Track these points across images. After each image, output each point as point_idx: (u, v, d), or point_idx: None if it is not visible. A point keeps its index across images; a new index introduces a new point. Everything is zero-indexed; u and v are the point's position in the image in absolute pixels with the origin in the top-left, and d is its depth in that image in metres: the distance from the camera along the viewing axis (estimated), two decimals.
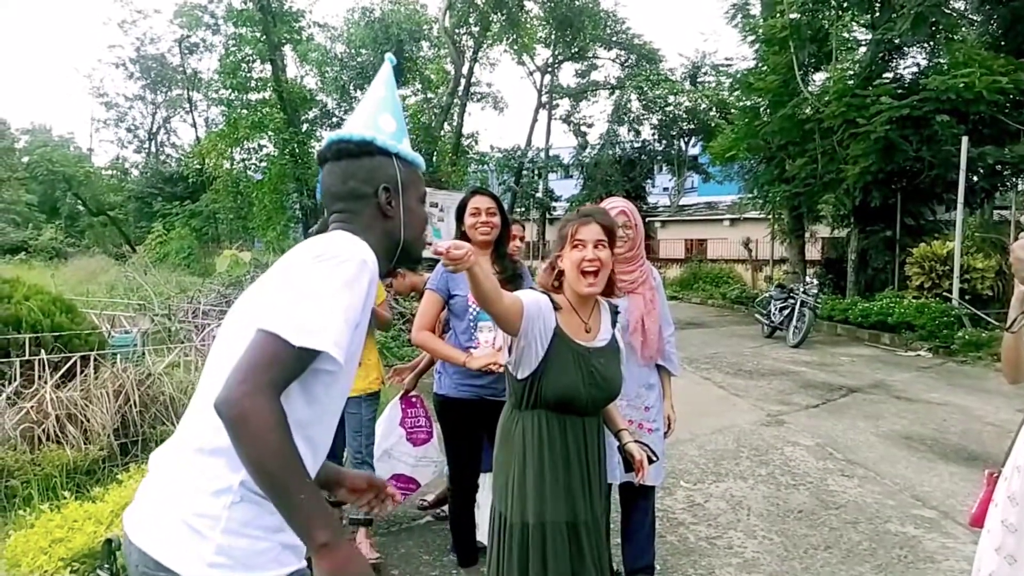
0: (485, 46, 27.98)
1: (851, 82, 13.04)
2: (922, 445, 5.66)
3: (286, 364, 1.11)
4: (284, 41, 23.14)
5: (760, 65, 16.02)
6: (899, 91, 12.27)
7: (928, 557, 3.66)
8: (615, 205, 3.00)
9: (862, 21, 14.75)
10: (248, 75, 23.05)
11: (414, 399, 3.92)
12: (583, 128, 32.39)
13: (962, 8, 14.30)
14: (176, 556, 1.13)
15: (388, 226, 1.40)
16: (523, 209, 30.92)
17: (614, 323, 2.33)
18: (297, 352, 1.11)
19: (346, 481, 1.55)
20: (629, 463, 2.29)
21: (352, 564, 1.09)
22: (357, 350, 1.29)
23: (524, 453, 2.19)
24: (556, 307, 2.18)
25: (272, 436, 1.05)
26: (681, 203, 30.86)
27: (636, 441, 2.34)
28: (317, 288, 1.17)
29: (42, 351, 4.62)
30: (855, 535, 3.92)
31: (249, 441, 1.05)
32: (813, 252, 18.56)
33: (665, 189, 33.25)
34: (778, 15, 13.99)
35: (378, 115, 1.43)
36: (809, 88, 14.08)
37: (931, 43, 13.92)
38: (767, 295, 12.75)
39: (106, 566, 2.39)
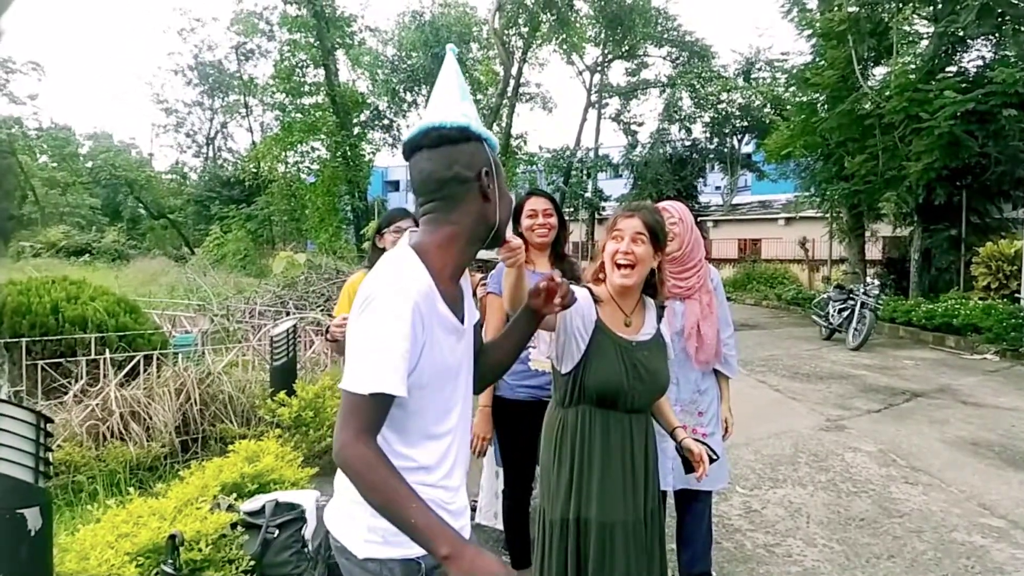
0: (534, 46, 28.01)
1: (913, 76, 12.65)
2: (990, 452, 5.44)
3: (365, 412, 1.26)
4: (337, 46, 23.55)
5: (817, 60, 15.66)
6: (963, 85, 11.88)
7: (997, 568, 3.52)
8: (666, 204, 2.96)
9: (924, 14, 14.27)
10: (302, 80, 23.53)
11: None
12: (633, 127, 32.11)
13: None
14: (343, 532, 1.41)
15: (486, 209, 1.45)
16: (572, 209, 30.81)
17: (659, 319, 2.28)
18: (367, 399, 1.25)
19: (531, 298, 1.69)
20: (688, 464, 2.23)
21: (479, 565, 1.19)
22: (447, 355, 1.40)
23: (562, 450, 2.17)
24: (597, 300, 2.16)
25: (371, 477, 1.23)
26: (734, 202, 30.30)
27: (695, 439, 2.28)
28: (365, 338, 1.29)
29: (107, 350, 4.77)
30: (920, 544, 3.79)
31: (356, 482, 1.25)
32: (873, 251, 18.04)
33: (717, 188, 32.70)
34: (836, 8, 13.65)
35: (459, 103, 1.46)
36: (869, 83, 13.70)
37: (997, 35, 13.38)
38: (825, 296, 12.44)
39: (170, 561, 2.45)
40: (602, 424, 2.14)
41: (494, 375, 1.72)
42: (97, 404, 4.31)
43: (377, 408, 1.27)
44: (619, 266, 2.14)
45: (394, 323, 1.27)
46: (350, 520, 1.40)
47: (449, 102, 1.46)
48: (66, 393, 4.52)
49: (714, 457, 2.31)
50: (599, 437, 2.13)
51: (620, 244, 2.14)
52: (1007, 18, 12.61)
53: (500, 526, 3.58)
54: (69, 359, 4.75)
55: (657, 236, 2.17)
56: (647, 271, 2.17)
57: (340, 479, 1.44)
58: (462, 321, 1.47)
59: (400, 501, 1.21)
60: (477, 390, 1.61)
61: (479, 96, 26.52)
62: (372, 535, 1.36)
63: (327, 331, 3.13)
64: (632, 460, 2.16)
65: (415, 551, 1.33)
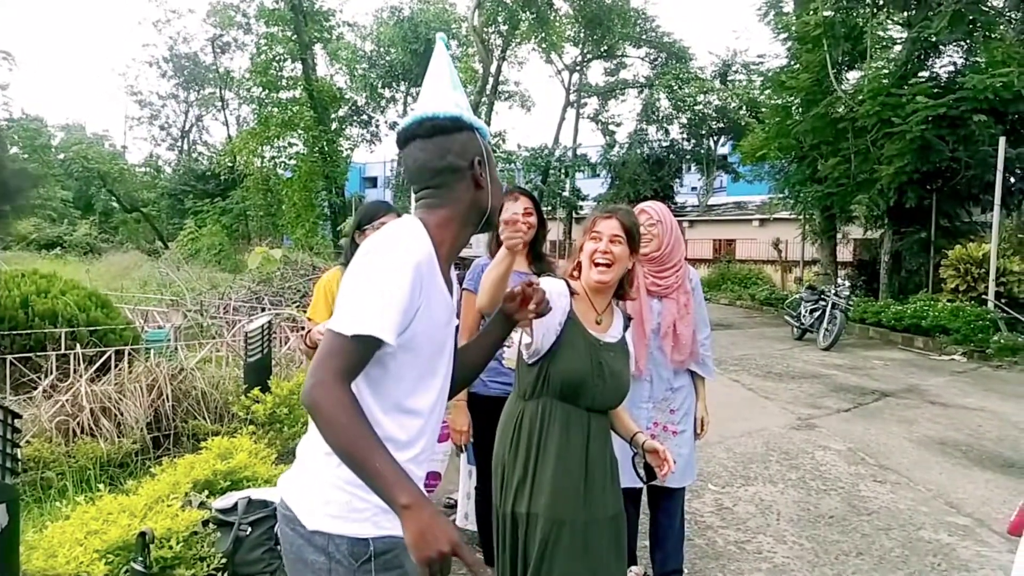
0: (513, 44, 28.04)
1: (886, 81, 12.81)
2: (956, 451, 5.55)
3: (346, 354, 1.24)
4: (315, 40, 23.34)
5: (792, 63, 15.80)
6: (935, 90, 12.04)
7: (963, 565, 3.59)
8: (646, 205, 3.00)
9: (897, 19, 14.47)
10: (279, 74, 23.28)
11: None
12: (611, 127, 32.24)
13: (1000, 5, 13.97)
14: (296, 501, 1.38)
15: (479, 196, 1.49)
16: (550, 208, 30.86)
17: (626, 328, 2.32)
18: (352, 341, 1.24)
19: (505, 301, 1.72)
20: (651, 472, 2.19)
21: (436, 524, 1.14)
22: (437, 328, 1.40)
23: (519, 442, 2.17)
24: (572, 292, 2.21)
25: (341, 418, 1.19)
26: (710, 203, 30.55)
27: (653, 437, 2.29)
28: (362, 281, 1.29)
29: (78, 345, 4.70)
30: (887, 542, 3.85)
31: (323, 424, 1.21)
32: (845, 253, 18.28)
33: (693, 188, 32.94)
34: (811, 12, 13.77)
35: (451, 92, 1.50)
36: (843, 87, 13.85)
37: (968, 41, 13.62)
38: (797, 296, 12.60)
39: (140, 559, 2.42)
40: (562, 419, 2.14)
41: (466, 379, 1.72)
42: (67, 399, 4.25)
43: (360, 352, 1.25)
44: (597, 264, 2.19)
45: (395, 274, 1.28)
46: (306, 490, 1.37)
47: (441, 92, 1.50)
48: (35, 388, 4.45)
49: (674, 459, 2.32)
50: (557, 431, 2.14)
51: (599, 244, 2.20)
52: (978, 24, 12.86)
53: (472, 527, 3.59)
54: (39, 354, 4.67)
55: (633, 237, 2.23)
56: (623, 270, 2.23)
57: (303, 446, 1.43)
58: (451, 295, 1.49)
59: (367, 445, 1.18)
60: (451, 393, 1.59)
61: None
62: (327, 507, 1.33)
63: (307, 334, 3.09)
64: (587, 460, 2.14)
65: (367, 531, 1.31)
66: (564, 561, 2.07)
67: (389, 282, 1.27)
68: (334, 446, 1.20)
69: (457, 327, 1.63)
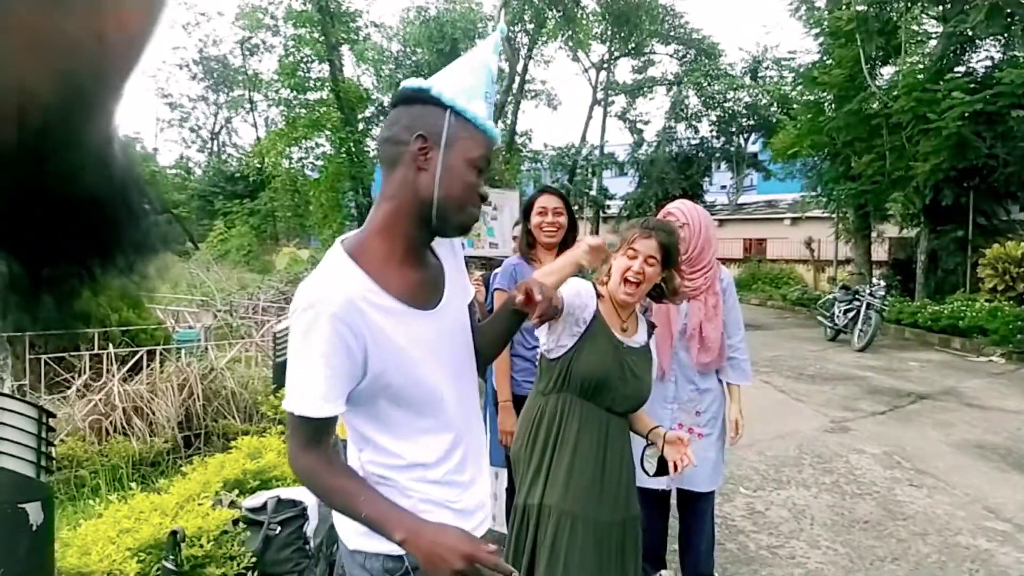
0: (540, 43, 27.94)
1: (921, 76, 12.60)
2: (995, 455, 5.41)
3: (301, 430, 1.25)
4: (342, 41, 23.48)
5: (825, 59, 15.59)
6: (972, 85, 11.82)
7: (1002, 572, 3.50)
8: (674, 206, 2.95)
9: (933, 13, 14.21)
10: (306, 75, 23.48)
11: None
12: (639, 125, 31.98)
13: None
14: (338, 523, 1.41)
15: (420, 181, 1.28)
16: (577, 207, 30.74)
17: (649, 335, 2.34)
18: (300, 418, 1.24)
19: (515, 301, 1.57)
20: (662, 467, 2.18)
21: (439, 545, 1.17)
22: (414, 362, 1.30)
23: (537, 435, 2.19)
24: (599, 295, 2.23)
25: (315, 486, 1.27)
26: (740, 201, 30.17)
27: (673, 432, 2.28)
28: (291, 353, 1.26)
29: (110, 345, 4.76)
30: (924, 547, 3.77)
31: (309, 490, 1.30)
32: (880, 252, 17.97)
33: (723, 187, 32.56)
34: (844, 7, 13.60)
35: (457, 70, 1.36)
36: (877, 82, 13.64)
37: (1006, 35, 13.31)
38: (831, 297, 12.38)
39: (171, 557, 2.44)
40: (580, 415, 2.16)
41: (487, 359, 1.63)
42: (100, 399, 4.31)
43: (314, 426, 1.24)
44: (627, 282, 2.20)
45: (312, 339, 1.21)
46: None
47: (447, 69, 1.38)
48: (69, 388, 4.52)
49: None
50: (575, 427, 2.16)
51: (633, 263, 2.19)
52: (1016, 18, 12.55)
53: (501, 528, 3.57)
54: (72, 353, 4.75)
55: (670, 257, 2.24)
56: (648, 288, 2.25)
57: None
58: (430, 303, 1.35)
59: (349, 500, 1.22)
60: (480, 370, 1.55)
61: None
62: (359, 527, 1.33)
63: None
64: (605, 461, 2.16)
65: (400, 548, 1.29)
66: (574, 555, 2.07)
67: (309, 351, 1.21)
68: (328, 507, 1.27)
69: (475, 324, 1.53)
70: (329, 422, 1.26)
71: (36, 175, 0.27)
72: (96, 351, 4.75)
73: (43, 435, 2.16)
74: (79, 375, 4.61)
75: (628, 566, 2.19)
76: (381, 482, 1.32)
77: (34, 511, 2.07)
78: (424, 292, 1.35)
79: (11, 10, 0.22)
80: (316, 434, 1.25)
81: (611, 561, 2.13)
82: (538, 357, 3.03)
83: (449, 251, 1.47)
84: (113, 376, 4.47)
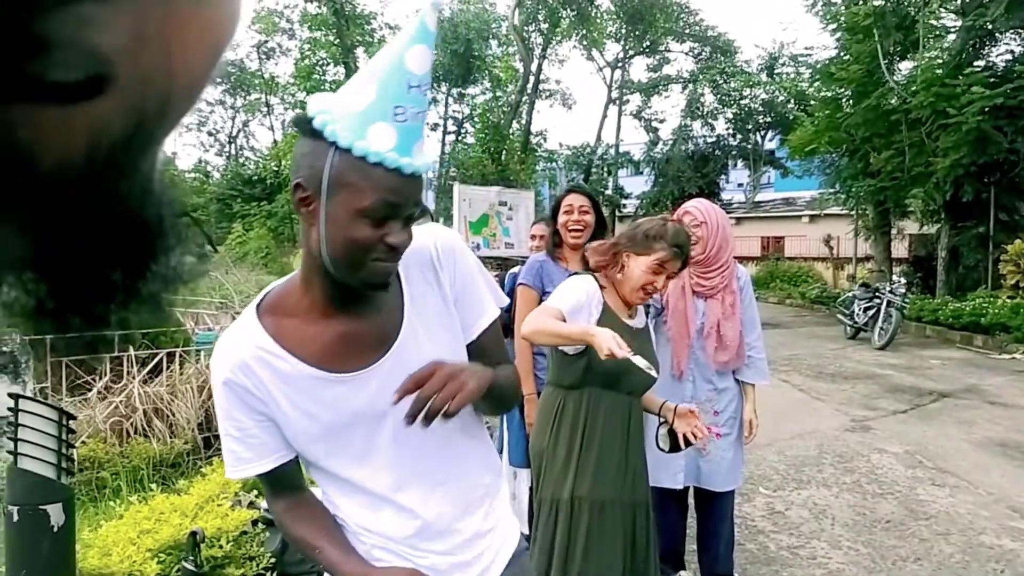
0: (554, 42, 27.90)
1: (940, 71, 12.45)
2: (1018, 453, 5.33)
3: (262, 482, 1.28)
4: (357, 43, 23.63)
5: (842, 54, 15.45)
6: (992, 80, 11.66)
7: None
8: (691, 205, 2.94)
9: (951, 7, 14.02)
10: (322, 78, 23.64)
11: None
12: (655, 123, 31.79)
13: None
14: None
15: (311, 235, 1.05)
16: None
17: (647, 314, 2.46)
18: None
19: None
20: (674, 442, 2.25)
21: None
22: (324, 414, 1.15)
23: (561, 431, 2.23)
24: (601, 285, 2.27)
25: (285, 534, 1.32)
26: (757, 199, 29.96)
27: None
28: None
29: (130, 347, 4.81)
30: (947, 547, 3.72)
31: None
32: (900, 249, 17.76)
33: (740, 185, 32.32)
34: (861, 2, 13.46)
35: (356, 84, 1.04)
36: (895, 77, 13.49)
37: None
38: (850, 294, 12.27)
39: (191, 558, 2.46)
40: (606, 406, 2.22)
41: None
42: (121, 401, 4.36)
43: (263, 480, 1.25)
44: (646, 293, 2.25)
45: (219, 405, 1.19)
46: None
47: (349, 87, 1.05)
48: (90, 390, 4.57)
49: (692, 443, 2.30)
50: (603, 418, 2.21)
51: (657, 279, 2.22)
52: None
53: (523, 529, 3.56)
54: (92, 356, 4.80)
55: (685, 266, 2.33)
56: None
57: None
58: (358, 364, 1.14)
59: (308, 552, 1.23)
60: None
61: (499, 93, 26.46)
62: None
63: None
64: (628, 443, 2.24)
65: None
66: (605, 538, 2.14)
67: (219, 413, 1.19)
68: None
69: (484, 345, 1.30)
70: (277, 473, 1.20)
71: (88, 200, 0.28)
72: (116, 353, 4.80)
73: (64, 437, 2.19)
74: (100, 377, 4.65)
75: (650, 547, 2.28)
76: (341, 522, 1.27)
77: (55, 512, 2.10)
78: (347, 351, 1.14)
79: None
80: (273, 486, 1.26)
81: (639, 542, 2.21)
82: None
83: (431, 285, 1.23)
84: (134, 378, 4.52)
